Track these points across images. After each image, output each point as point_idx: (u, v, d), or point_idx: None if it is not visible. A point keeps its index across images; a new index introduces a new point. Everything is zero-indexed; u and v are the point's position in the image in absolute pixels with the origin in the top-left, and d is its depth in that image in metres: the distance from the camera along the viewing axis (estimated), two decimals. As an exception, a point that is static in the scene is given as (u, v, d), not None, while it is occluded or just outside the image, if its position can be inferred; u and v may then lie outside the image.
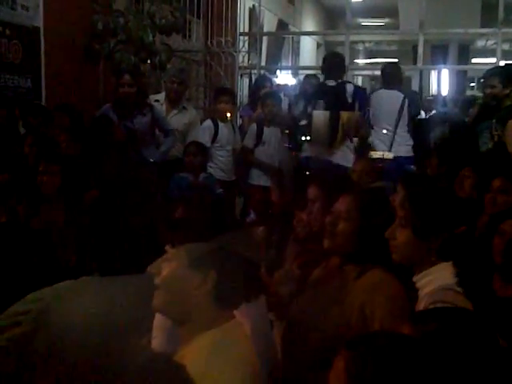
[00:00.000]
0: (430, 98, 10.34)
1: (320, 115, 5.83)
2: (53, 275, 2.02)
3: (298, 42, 13.71)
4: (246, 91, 8.71)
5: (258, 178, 5.97)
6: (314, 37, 15.91)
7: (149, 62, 6.37)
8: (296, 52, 13.49)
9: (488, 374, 1.05)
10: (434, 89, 11.80)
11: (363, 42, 16.39)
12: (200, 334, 1.68)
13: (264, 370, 1.89)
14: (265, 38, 10.22)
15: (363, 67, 16.79)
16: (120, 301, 1.85)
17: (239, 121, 7.15)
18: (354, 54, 16.29)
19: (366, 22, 15.62)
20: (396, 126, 6.09)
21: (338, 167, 5.29)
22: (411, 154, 6.12)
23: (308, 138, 6.02)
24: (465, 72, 12.56)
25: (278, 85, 9.10)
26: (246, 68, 8.55)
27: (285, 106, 7.31)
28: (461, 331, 1.12)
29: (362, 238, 2.10)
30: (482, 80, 5.77)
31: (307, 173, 3.71)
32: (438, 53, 12.47)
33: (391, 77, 6.33)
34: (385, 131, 6.09)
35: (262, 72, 8.53)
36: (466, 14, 11.10)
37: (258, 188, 5.83)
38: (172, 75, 5.92)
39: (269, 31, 10.89)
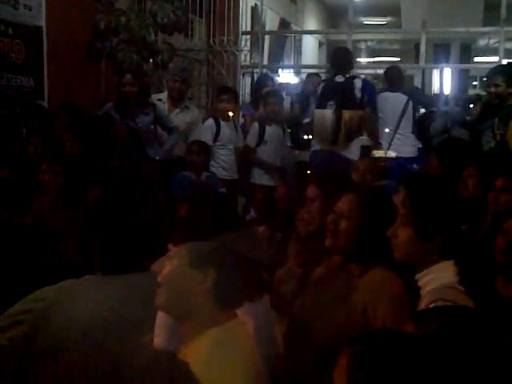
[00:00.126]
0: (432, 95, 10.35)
1: (322, 114, 5.84)
2: (55, 274, 2.02)
3: (300, 41, 13.70)
4: (248, 90, 8.72)
5: (260, 177, 5.97)
6: (316, 36, 15.90)
7: (151, 61, 6.37)
8: (298, 51, 13.49)
9: (490, 373, 1.06)
10: (436, 87, 11.79)
11: (365, 40, 16.37)
12: (202, 332, 1.68)
13: (266, 369, 1.89)
14: (267, 37, 10.23)
15: (365, 66, 16.78)
16: (122, 299, 1.85)
17: (241, 120, 7.16)
18: (356, 53, 16.27)
19: (368, 21, 15.60)
20: (398, 127, 6.15)
21: (345, 160, 5.35)
22: (415, 154, 6.18)
23: (310, 136, 6.03)
24: (467, 71, 12.54)
25: (280, 84, 9.11)
26: (248, 67, 8.56)
27: (287, 104, 7.32)
28: (463, 329, 1.12)
29: (363, 237, 2.10)
30: (484, 79, 5.78)
31: (308, 172, 3.71)
32: (441, 51, 12.44)
33: (394, 79, 6.44)
34: (387, 130, 6.11)
35: (264, 71, 8.53)
36: (468, 13, 11.08)
37: (259, 187, 5.84)
38: (174, 74, 5.92)
39: (271, 30, 10.89)
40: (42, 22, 5.60)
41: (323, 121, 5.80)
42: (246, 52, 8.34)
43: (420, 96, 7.45)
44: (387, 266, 2.07)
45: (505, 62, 7.19)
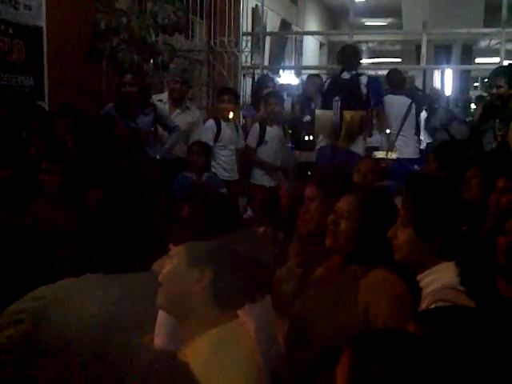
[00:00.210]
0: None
1: (323, 114, 5.86)
2: (54, 273, 2.02)
3: (301, 42, 13.69)
4: (248, 91, 8.71)
5: (261, 178, 5.98)
6: (316, 37, 15.90)
7: (151, 61, 6.37)
8: (299, 52, 13.48)
9: (491, 372, 1.05)
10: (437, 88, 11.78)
11: (366, 41, 16.34)
12: (202, 332, 1.67)
13: (267, 370, 1.88)
14: (268, 38, 10.23)
15: (366, 67, 16.74)
16: (122, 299, 1.84)
17: (242, 120, 7.15)
18: (358, 54, 16.23)
19: (369, 22, 15.59)
20: (401, 129, 6.22)
21: (352, 154, 5.41)
22: (417, 155, 6.24)
23: (311, 137, 6.06)
24: (468, 72, 12.55)
25: (281, 84, 9.10)
26: (248, 68, 8.56)
27: (288, 105, 7.32)
28: (463, 329, 1.11)
29: (363, 238, 2.10)
30: (485, 80, 5.81)
31: (309, 172, 3.71)
32: (442, 53, 12.45)
33: (396, 82, 6.52)
34: (388, 131, 6.14)
35: (265, 72, 8.53)
36: (469, 14, 11.06)
37: (260, 188, 5.84)
38: (175, 75, 5.92)
39: (272, 31, 10.89)
40: (43, 22, 5.60)
41: (324, 121, 5.82)
42: (246, 53, 8.34)
43: (421, 97, 7.52)
44: (388, 266, 2.07)
45: (506, 63, 7.18)
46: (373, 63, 17.93)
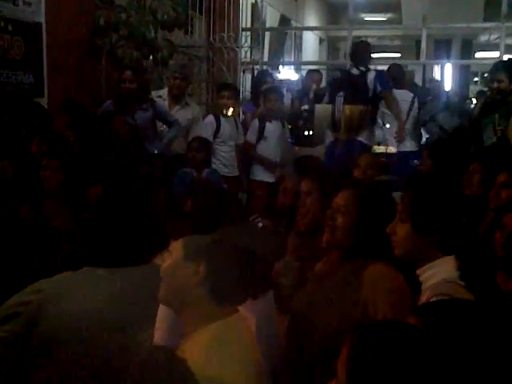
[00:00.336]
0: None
1: (322, 108, 5.89)
2: (56, 268, 2.02)
3: (301, 38, 13.68)
4: (248, 87, 8.70)
5: (260, 174, 5.98)
6: (316, 32, 15.88)
7: (151, 57, 6.36)
8: (298, 47, 13.47)
9: (491, 365, 1.05)
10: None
11: (366, 37, 16.29)
12: (201, 326, 1.68)
13: (267, 366, 1.88)
14: (267, 34, 10.21)
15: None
16: (122, 292, 1.85)
17: (241, 116, 7.15)
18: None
19: (368, 17, 15.57)
20: (405, 123, 6.28)
21: (364, 146, 5.51)
22: (416, 148, 6.30)
23: (311, 132, 6.08)
24: (468, 66, 12.53)
25: (281, 80, 9.09)
26: (248, 63, 8.54)
27: (287, 101, 7.31)
28: (463, 322, 1.12)
29: (360, 232, 2.10)
30: (485, 75, 5.82)
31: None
32: (441, 47, 12.44)
33: (399, 77, 6.57)
34: (388, 126, 6.17)
35: (265, 67, 8.51)
36: (469, 9, 11.05)
37: (259, 183, 5.84)
38: (174, 71, 5.92)
39: (271, 26, 10.87)
40: (42, 19, 5.59)
41: (323, 116, 5.84)
42: (246, 48, 8.31)
43: (422, 90, 7.60)
44: (387, 261, 2.07)
45: (506, 57, 7.17)
46: (372, 58, 17.88)
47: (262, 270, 1.91)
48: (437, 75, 11.07)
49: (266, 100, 6.06)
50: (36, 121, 4.64)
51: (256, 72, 8.29)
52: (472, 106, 8.89)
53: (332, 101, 5.97)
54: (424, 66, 10.75)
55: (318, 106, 6.06)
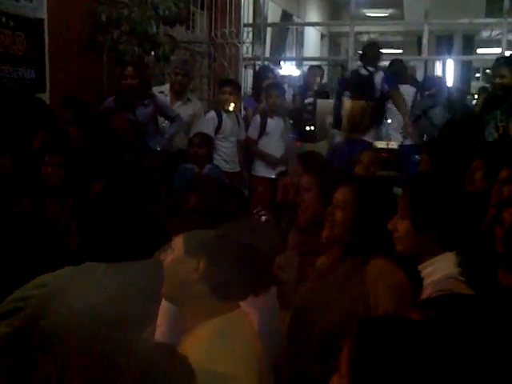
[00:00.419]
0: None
1: (323, 103, 5.90)
2: (56, 263, 2.03)
3: (302, 33, 13.65)
4: (250, 82, 8.70)
5: (262, 170, 5.98)
6: (318, 28, 15.84)
7: (152, 53, 6.36)
8: (300, 43, 13.44)
9: (494, 362, 1.06)
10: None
11: (368, 32, 16.27)
12: (202, 322, 1.68)
13: (269, 361, 1.89)
14: (269, 29, 10.18)
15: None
16: (124, 287, 1.85)
17: (243, 112, 7.15)
18: (359, 45, 16.18)
19: (370, 13, 15.52)
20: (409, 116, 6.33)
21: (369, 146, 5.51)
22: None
23: (312, 127, 6.08)
24: (470, 62, 12.50)
25: (282, 76, 9.08)
26: (250, 59, 8.53)
27: (289, 96, 7.31)
28: (465, 316, 1.12)
29: (359, 227, 2.11)
30: (487, 71, 5.83)
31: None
32: (443, 43, 12.40)
33: (401, 73, 6.61)
34: (389, 121, 6.18)
35: (266, 63, 8.50)
36: (470, 4, 11.01)
37: (261, 179, 5.85)
38: (176, 67, 5.91)
39: (273, 22, 10.84)
40: (44, 15, 5.59)
41: (324, 111, 5.85)
42: (247, 44, 8.30)
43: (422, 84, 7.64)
44: (389, 257, 2.08)
45: (508, 53, 7.16)
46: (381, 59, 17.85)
47: (263, 267, 1.92)
48: (438, 71, 11.05)
49: (267, 96, 6.06)
50: (38, 116, 4.64)
51: (257, 68, 8.29)
52: (474, 101, 8.88)
53: (338, 100, 5.99)
54: (426, 62, 10.73)
55: (319, 101, 6.06)
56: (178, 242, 1.77)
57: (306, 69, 8.85)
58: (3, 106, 4.64)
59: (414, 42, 13.18)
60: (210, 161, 5.27)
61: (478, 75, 16.33)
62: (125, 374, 1.14)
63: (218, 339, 1.64)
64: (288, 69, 10.32)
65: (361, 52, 6.34)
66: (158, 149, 5.30)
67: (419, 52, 9.27)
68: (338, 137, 6.01)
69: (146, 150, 5.16)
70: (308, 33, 14.37)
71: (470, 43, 13.35)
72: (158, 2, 6.23)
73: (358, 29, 9.02)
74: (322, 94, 7.55)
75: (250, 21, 8.95)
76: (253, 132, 5.99)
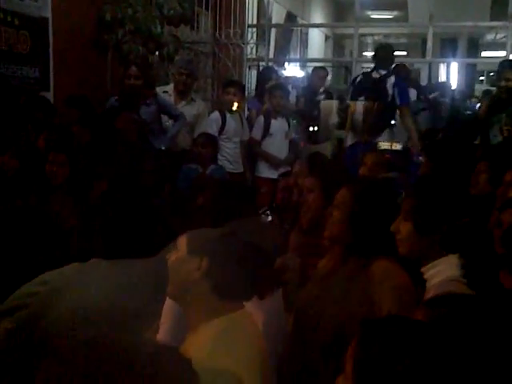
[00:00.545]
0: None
1: (327, 105, 5.88)
2: (61, 261, 2.03)
3: (307, 34, 13.65)
4: (254, 83, 8.70)
5: (265, 171, 5.97)
6: (322, 29, 15.83)
7: (157, 53, 6.36)
8: (304, 44, 13.44)
9: (496, 362, 1.05)
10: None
11: (372, 34, 16.28)
12: (206, 321, 1.68)
13: (273, 362, 1.89)
14: (273, 30, 10.19)
15: (371, 60, 16.67)
16: (126, 285, 1.85)
17: (246, 113, 7.15)
18: (363, 47, 16.21)
19: (374, 15, 15.52)
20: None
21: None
22: None
23: (316, 128, 6.07)
24: (474, 65, 12.50)
25: (286, 77, 9.08)
26: (254, 60, 8.53)
27: (293, 98, 7.31)
28: (468, 317, 1.12)
29: (355, 227, 2.12)
30: (491, 74, 5.82)
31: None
32: (448, 46, 12.41)
33: (405, 77, 6.65)
34: (393, 122, 6.17)
35: (270, 64, 8.51)
36: (475, 7, 11.02)
37: (264, 180, 5.84)
38: (180, 67, 5.91)
39: (277, 23, 10.84)
40: (48, 13, 5.60)
41: (329, 112, 5.84)
42: (252, 45, 8.31)
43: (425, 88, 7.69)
44: (392, 258, 2.08)
45: (512, 56, 7.16)
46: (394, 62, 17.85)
47: (268, 267, 1.91)
48: (443, 74, 11.05)
49: (271, 97, 6.06)
50: (41, 115, 4.65)
51: (261, 68, 8.29)
52: (478, 105, 8.88)
53: (351, 100, 6.00)
54: (430, 65, 10.72)
55: (323, 102, 6.05)
56: (182, 242, 1.77)
57: (309, 70, 8.85)
58: (7, 105, 4.64)
59: (418, 45, 13.18)
60: (214, 161, 5.26)
61: (482, 78, 16.32)
62: (128, 375, 1.14)
63: (221, 339, 1.63)
64: (292, 70, 10.32)
65: (373, 54, 6.32)
66: (163, 148, 5.30)
67: (423, 54, 9.25)
68: (350, 139, 5.98)
69: (150, 149, 5.16)
70: (312, 34, 14.37)
71: (474, 46, 13.36)
72: (163, 2, 6.24)
73: (362, 31, 9.04)
74: (327, 94, 7.55)
75: (255, 22, 8.95)
76: (256, 133, 5.98)
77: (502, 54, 7.97)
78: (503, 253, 2.31)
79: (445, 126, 6.76)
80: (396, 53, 6.56)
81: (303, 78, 9.82)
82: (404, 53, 16.20)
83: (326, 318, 2.04)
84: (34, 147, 4.25)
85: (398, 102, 5.77)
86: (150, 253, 1.97)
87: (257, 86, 7.63)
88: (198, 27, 8.48)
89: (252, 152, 6.04)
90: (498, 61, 5.71)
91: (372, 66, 6.14)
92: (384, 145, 5.72)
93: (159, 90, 5.86)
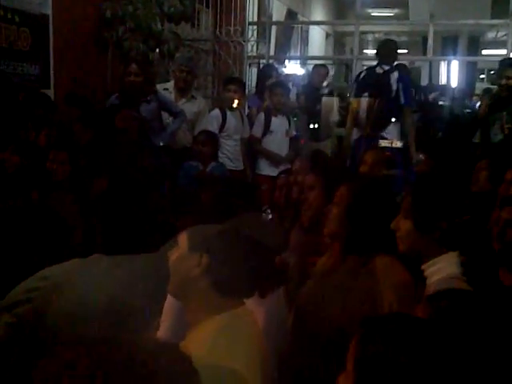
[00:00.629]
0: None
1: (327, 102, 5.88)
2: (62, 258, 2.03)
3: (307, 32, 13.63)
4: (254, 80, 8.70)
5: (265, 168, 5.97)
6: (323, 27, 15.83)
7: (157, 50, 6.36)
8: (305, 42, 13.43)
9: (497, 360, 1.06)
10: (443, 80, 11.76)
11: (373, 32, 16.28)
12: (206, 318, 1.68)
13: (274, 359, 1.89)
14: (274, 28, 10.18)
15: (373, 58, 16.67)
16: (127, 281, 1.85)
17: (247, 110, 7.15)
18: (364, 45, 16.20)
19: (375, 13, 15.51)
20: None
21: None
22: None
23: (316, 125, 6.06)
24: (475, 63, 12.49)
25: (287, 74, 9.07)
26: (254, 57, 8.53)
27: (293, 95, 7.31)
28: (468, 314, 1.12)
29: (352, 223, 2.12)
30: (492, 72, 5.82)
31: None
32: (448, 44, 12.39)
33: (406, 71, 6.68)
34: (393, 119, 6.17)
35: (271, 61, 8.51)
36: (476, 5, 11.00)
37: (265, 178, 5.84)
38: (180, 64, 5.91)
39: (278, 20, 10.84)
40: (49, 10, 5.60)
41: (329, 108, 5.83)
42: (252, 42, 8.30)
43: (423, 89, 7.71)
44: (392, 255, 2.08)
45: (513, 54, 7.15)
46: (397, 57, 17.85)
47: (270, 266, 1.90)
48: (443, 72, 11.04)
49: (271, 94, 6.06)
50: (42, 111, 4.64)
51: (262, 66, 8.29)
52: (478, 103, 8.88)
53: (355, 97, 6.00)
54: (430, 63, 10.72)
55: (323, 99, 6.05)
56: (183, 239, 1.77)
57: (310, 68, 8.84)
58: (7, 102, 4.64)
59: (419, 43, 13.18)
60: (215, 158, 5.25)
61: (482, 76, 16.31)
62: (128, 372, 1.14)
63: (222, 335, 1.64)
64: (292, 67, 10.31)
65: (377, 49, 6.31)
66: (161, 144, 5.29)
67: (424, 52, 9.25)
68: (355, 134, 5.97)
69: (151, 146, 5.16)
70: (313, 32, 14.35)
71: (475, 44, 13.34)
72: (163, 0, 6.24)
73: (362, 28, 9.04)
74: (329, 91, 7.56)
75: (255, 19, 8.95)
76: (257, 130, 5.98)
77: (503, 52, 7.96)
78: (500, 248, 2.32)
79: (445, 125, 6.77)
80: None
81: (304, 75, 9.82)
82: (405, 51, 16.18)
83: (326, 315, 2.04)
84: (34, 144, 4.24)
85: (402, 100, 5.76)
86: (151, 248, 1.97)
87: (257, 83, 7.62)
88: (198, 25, 8.48)
89: (252, 149, 6.04)
90: (499, 59, 5.71)
91: (372, 63, 6.13)
92: (384, 142, 5.72)
93: (159, 87, 5.85)
